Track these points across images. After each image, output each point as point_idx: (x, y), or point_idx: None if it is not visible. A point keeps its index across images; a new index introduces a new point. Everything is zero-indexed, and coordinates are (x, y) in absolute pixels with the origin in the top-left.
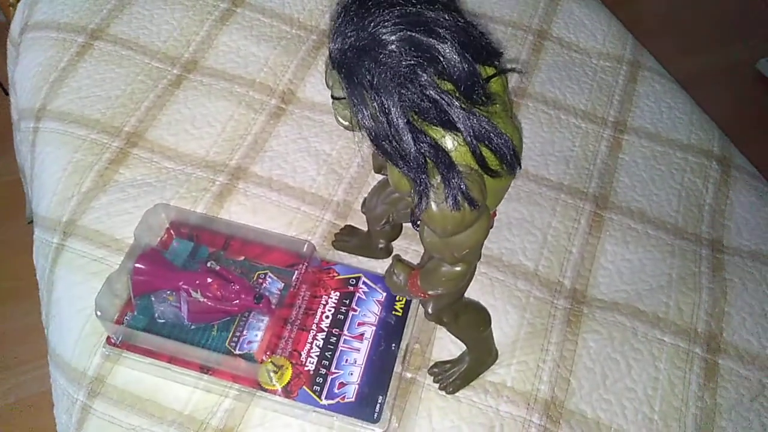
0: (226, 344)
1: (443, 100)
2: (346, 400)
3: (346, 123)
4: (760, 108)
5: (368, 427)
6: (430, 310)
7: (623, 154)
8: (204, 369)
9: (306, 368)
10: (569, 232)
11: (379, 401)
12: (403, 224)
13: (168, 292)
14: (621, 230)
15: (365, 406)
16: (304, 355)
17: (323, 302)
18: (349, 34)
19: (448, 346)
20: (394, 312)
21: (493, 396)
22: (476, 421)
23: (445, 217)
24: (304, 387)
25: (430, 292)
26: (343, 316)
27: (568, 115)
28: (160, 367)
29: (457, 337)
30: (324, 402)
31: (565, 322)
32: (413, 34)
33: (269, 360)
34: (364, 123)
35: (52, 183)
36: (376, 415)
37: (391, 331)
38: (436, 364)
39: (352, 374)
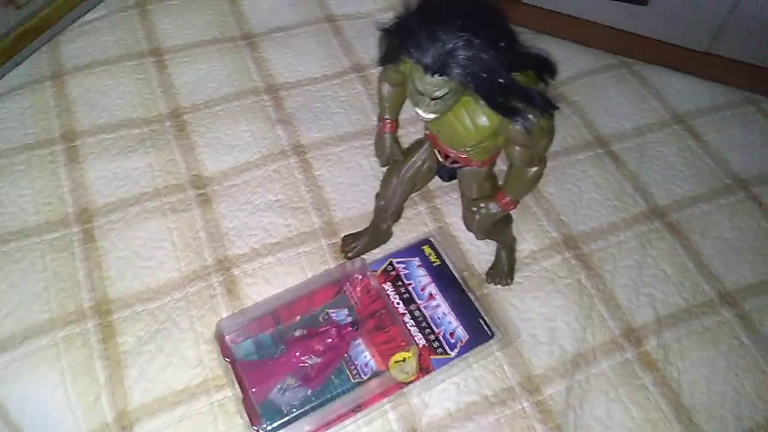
0: (353, 381)
1: (520, 53)
2: (465, 341)
3: (435, 115)
4: None
5: (490, 344)
6: (478, 232)
7: None
8: (355, 409)
9: (420, 345)
10: None
11: (482, 323)
12: None
13: (288, 379)
14: None
15: (478, 333)
16: (410, 339)
17: (385, 297)
18: (430, 49)
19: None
20: (434, 264)
21: (535, 263)
22: (541, 284)
23: (543, 130)
24: (432, 357)
25: (519, 199)
26: (408, 294)
27: None
28: None
29: (498, 241)
30: (453, 353)
31: None
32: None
33: (393, 362)
34: (480, 90)
35: (56, 404)
36: (490, 332)
37: (444, 276)
38: (487, 273)
39: (450, 323)
